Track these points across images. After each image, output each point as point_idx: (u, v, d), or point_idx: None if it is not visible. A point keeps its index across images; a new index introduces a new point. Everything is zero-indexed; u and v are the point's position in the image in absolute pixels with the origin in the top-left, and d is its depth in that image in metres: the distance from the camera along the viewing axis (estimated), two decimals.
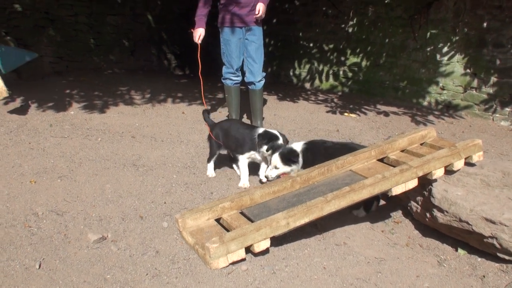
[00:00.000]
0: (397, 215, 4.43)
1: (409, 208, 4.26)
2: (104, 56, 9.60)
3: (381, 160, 4.16)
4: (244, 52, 5.79)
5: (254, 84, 5.88)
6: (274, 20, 10.42)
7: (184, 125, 6.23)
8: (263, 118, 6.43)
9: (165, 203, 4.11)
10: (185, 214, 3.51)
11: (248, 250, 3.32)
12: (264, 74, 5.94)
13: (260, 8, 5.51)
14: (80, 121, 5.90)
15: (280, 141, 4.45)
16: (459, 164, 3.94)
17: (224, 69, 5.88)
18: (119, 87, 7.66)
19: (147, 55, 10.64)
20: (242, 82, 6.01)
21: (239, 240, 3.21)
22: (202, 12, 5.57)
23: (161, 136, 5.73)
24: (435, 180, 3.95)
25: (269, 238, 3.32)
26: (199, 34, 5.57)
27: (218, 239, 3.17)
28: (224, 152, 4.93)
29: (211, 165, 4.88)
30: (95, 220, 3.72)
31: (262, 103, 6.16)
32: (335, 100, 8.88)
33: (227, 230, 3.43)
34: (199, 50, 5.50)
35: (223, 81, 5.94)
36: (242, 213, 3.62)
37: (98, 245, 3.40)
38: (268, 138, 4.44)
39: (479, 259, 3.78)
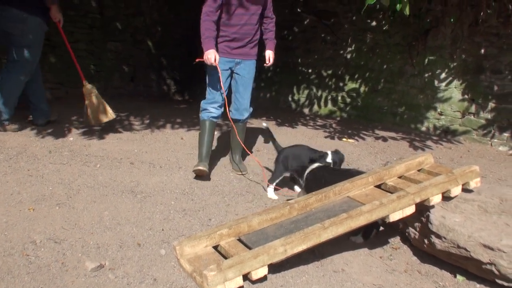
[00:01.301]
0: (395, 241, 4.43)
1: (407, 234, 4.26)
2: (104, 82, 9.66)
3: (378, 186, 4.18)
4: (232, 86, 5.44)
5: (239, 121, 5.56)
6: None
7: (183, 151, 6.25)
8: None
9: (163, 230, 4.11)
10: (182, 242, 3.51)
11: (246, 277, 3.32)
12: (251, 109, 5.58)
13: (270, 56, 5.36)
14: (79, 147, 5.92)
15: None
16: (456, 191, 3.96)
17: (203, 101, 5.41)
18: (119, 112, 7.68)
19: (147, 80, 10.70)
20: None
21: (237, 268, 3.21)
22: (210, 34, 5.02)
23: (160, 162, 5.74)
24: (433, 207, 3.95)
25: (266, 266, 3.32)
26: (214, 55, 5.01)
27: (216, 266, 3.17)
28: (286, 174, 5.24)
29: (272, 188, 5.14)
30: (93, 247, 3.71)
31: (243, 138, 5.74)
32: (334, 125, 8.91)
33: (225, 258, 3.42)
34: (220, 74, 5.16)
35: (202, 115, 5.42)
36: (240, 240, 3.62)
37: (95, 273, 3.39)
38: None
39: (478, 285, 3.77)
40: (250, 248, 3.43)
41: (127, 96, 9.91)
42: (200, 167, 5.23)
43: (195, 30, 5.55)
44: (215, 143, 6.53)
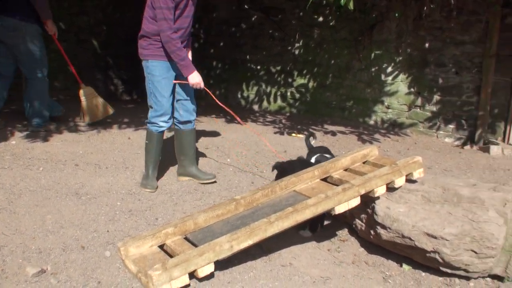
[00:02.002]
0: (343, 233, 4.47)
1: (354, 226, 4.31)
2: (49, 83, 9.44)
3: (324, 179, 4.20)
4: (177, 90, 5.06)
5: (191, 122, 5.19)
6: (221, 44, 10.48)
7: (130, 151, 6.17)
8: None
9: (108, 231, 4.04)
10: (127, 242, 3.46)
11: (192, 275, 3.29)
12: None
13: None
14: (21, 150, 5.77)
15: None
16: (400, 181, 4.01)
17: (151, 113, 4.96)
18: (64, 114, 7.52)
19: (93, 80, 10.50)
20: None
21: (182, 266, 3.18)
22: (186, 54, 4.73)
23: (106, 163, 5.65)
24: (378, 198, 4.00)
25: (213, 263, 3.30)
26: (200, 77, 4.85)
27: (161, 266, 3.13)
28: None
29: None
30: (35, 252, 3.62)
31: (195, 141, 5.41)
32: (283, 121, 8.95)
33: (171, 257, 3.38)
34: (217, 100, 5.22)
35: (149, 127, 5.03)
36: (186, 238, 3.59)
37: (37, 278, 3.31)
38: None
39: (423, 273, 3.84)
40: (196, 246, 3.40)
41: (72, 97, 9.72)
42: (149, 190, 5.02)
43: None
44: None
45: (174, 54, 4.67)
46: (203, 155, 6.21)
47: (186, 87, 5.00)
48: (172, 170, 5.64)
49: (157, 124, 4.95)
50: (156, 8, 4.56)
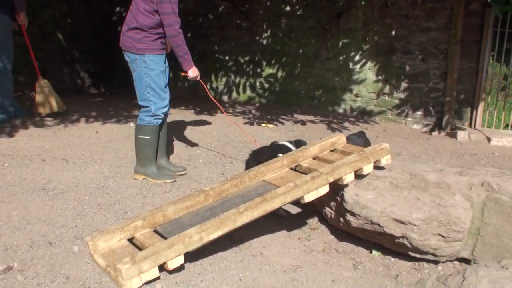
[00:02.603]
0: (314, 221, 4.49)
1: (324, 214, 4.33)
2: (13, 78, 9.28)
3: (294, 168, 4.22)
4: None
5: (167, 114, 5.19)
6: (189, 35, 10.41)
7: (98, 145, 6.10)
8: None
9: (76, 226, 3.99)
10: (96, 236, 3.42)
11: (162, 268, 3.27)
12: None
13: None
14: None
15: None
16: (368, 168, 4.04)
17: (154, 106, 4.89)
18: (30, 108, 7.40)
19: (59, 75, 10.37)
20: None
21: (152, 259, 3.16)
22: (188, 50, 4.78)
23: (73, 157, 5.58)
24: (347, 185, 4.03)
25: (182, 254, 3.28)
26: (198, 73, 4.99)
27: (130, 259, 3.10)
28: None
29: None
30: (1, 250, 3.55)
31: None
32: (253, 111, 8.95)
33: (141, 250, 3.36)
34: (207, 91, 5.32)
35: (151, 121, 4.95)
36: (155, 231, 3.57)
37: (3, 276, 3.25)
38: None
39: (393, 259, 3.89)
40: (165, 238, 3.38)
41: None
42: (170, 180, 5.11)
43: (107, 22, 5.38)
44: (128, 135, 6.43)
45: (179, 48, 4.70)
46: (173, 147, 6.18)
47: (167, 78, 5.05)
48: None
49: (159, 116, 4.96)
50: (163, 2, 4.52)
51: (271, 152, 4.44)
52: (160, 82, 4.86)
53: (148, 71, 4.81)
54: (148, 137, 5.01)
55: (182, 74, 4.96)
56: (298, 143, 4.67)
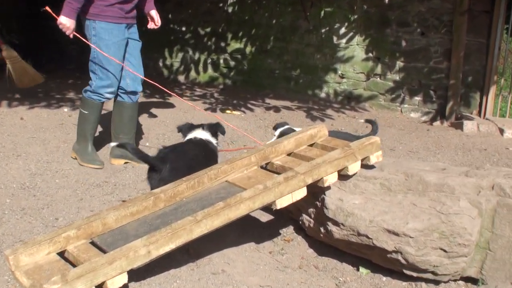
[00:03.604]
0: (288, 231, 4.50)
1: (301, 222, 4.33)
2: None
3: (264, 167, 4.21)
4: (126, 55, 5.26)
5: (137, 93, 5.44)
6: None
7: (23, 135, 6.03)
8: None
9: None
10: (18, 249, 3.37)
11: None
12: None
13: (157, 16, 5.36)
14: None
15: None
16: (354, 167, 4.05)
17: (96, 82, 5.13)
18: None
19: None
20: None
21: (88, 277, 3.12)
22: (78, 5, 4.78)
23: None
24: (329, 188, 4.03)
25: (126, 272, 3.25)
26: (72, 28, 4.85)
27: (60, 278, 3.06)
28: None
29: None
30: None
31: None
32: (216, 95, 8.94)
33: (74, 266, 3.32)
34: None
35: (91, 96, 5.19)
36: (92, 243, 3.52)
37: None
38: None
39: (384, 278, 3.91)
40: (105, 252, 3.35)
41: None
42: (96, 166, 5.30)
43: None
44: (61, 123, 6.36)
45: None
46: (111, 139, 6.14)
47: (135, 53, 5.25)
48: (73, 155, 5.54)
49: (102, 95, 5.16)
50: None
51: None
52: (110, 55, 4.96)
53: (97, 40, 4.93)
54: (86, 112, 5.22)
55: (46, 8, 4.94)
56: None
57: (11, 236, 3.97)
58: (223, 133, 4.73)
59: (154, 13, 5.38)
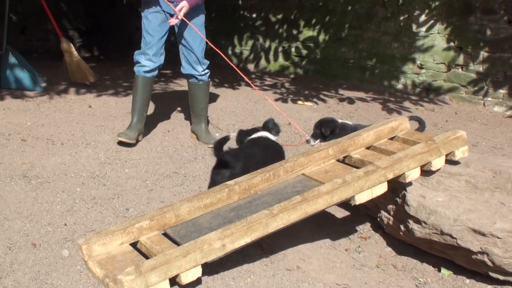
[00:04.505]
0: (365, 228, 4.49)
1: (379, 219, 4.32)
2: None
3: (342, 160, 4.21)
4: (177, 36, 5.56)
5: (196, 78, 5.70)
6: None
7: (91, 123, 6.16)
8: (208, 120, 6.21)
9: (65, 225, 4.05)
10: (91, 239, 3.46)
11: (174, 281, 3.30)
12: (207, 62, 5.76)
13: (183, 9, 5.23)
14: None
15: None
16: (438, 163, 4.01)
17: (137, 51, 5.59)
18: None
19: (42, 32, 10.45)
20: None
21: (162, 270, 3.18)
22: None
23: (61, 137, 5.64)
24: (410, 184, 4.01)
25: (200, 266, 3.30)
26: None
27: (134, 269, 3.13)
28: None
29: None
30: None
31: (207, 101, 5.96)
32: (286, 84, 8.94)
33: (146, 257, 3.39)
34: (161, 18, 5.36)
35: (137, 68, 5.56)
36: (165, 234, 3.59)
37: None
38: None
39: (467, 280, 3.86)
40: (178, 244, 3.41)
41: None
42: (122, 139, 5.45)
43: None
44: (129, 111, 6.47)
45: None
46: (185, 127, 6.20)
47: (189, 35, 5.45)
48: (148, 146, 5.63)
49: (140, 63, 5.48)
50: None
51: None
52: (148, 26, 5.37)
53: (141, 12, 5.34)
54: (135, 87, 5.59)
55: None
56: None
57: (83, 226, 4.07)
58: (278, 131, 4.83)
59: (181, 4, 5.25)
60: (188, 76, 5.72)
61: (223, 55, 5.71)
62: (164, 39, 5.46)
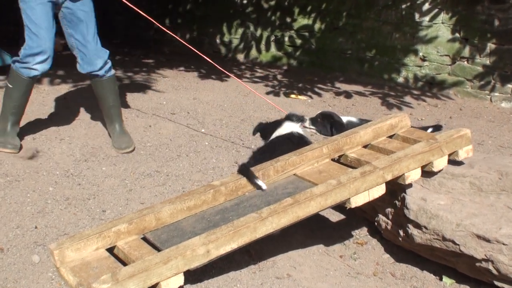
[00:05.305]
0: (361, 233, 4.49)
1: (376, 224, 4.32)
2: None
3: (337, 160, 4.20)
4: (67, 28, 5.10)
5: (97, 75, 5.28)
6: None
7: (66, 116, 6.13)
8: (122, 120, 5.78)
9: (36, 227, 4.03)
10: (64, 243, 3.44)
11: None
12: (107, 53, 5.30)
13: None
14: None
15: None
16: (440, 163, 4.02)
17: (24, 50, 4.92)
18: None
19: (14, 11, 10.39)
20: None
21: (140, 278, 3.17)
22: None
23: (32, 132, 5.62)
24: (410, 186, 4.01)
25: (182, 273, 3.29)
26: None
27: (111, 277, 3.12)
28: None
29: None
30: None
31: (118, 97, 5.56)
32: (279, 76, 8.95)
33: (124, 264, 3.38)
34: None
35: (18, 68, 4.98)
36: (144, 238, 3.58)
37: None
38: None
39: None
40: (159, 250, 3.40)
41: None
42: (8, 150, 5.13)
43: None
44: None
45: None
46: (168, 123, 6.19)
47: (80, 25, 5.03)
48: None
49: (30, 65, 4.93)
50: None
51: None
52: (35, 18, 4.81)
53: (22, 3, 4.81)
54: (10, 86, 5.09)
55: None
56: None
57: (55, 229, 4.05)
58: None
59: None
60: (89, 75, 5.30)
61: (162, 27, 5.58)
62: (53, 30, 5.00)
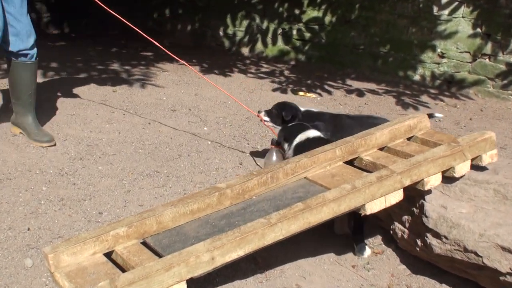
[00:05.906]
0: (376, 242, 4.48)
1: (392, 232, 4.31)
2: None
3: (350, 162, 4.20)
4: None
5: (25, 55, 5.26)
6: None
7: (60, 111, 6.14)
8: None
9: (29, 229, 4.03)
10: (58, 247, 3.44)
11: None
12: (35, 36, 5.32)
13: None
14: None
15: None
16: (463, 168, 4.01)
17: None
18: None
19: None
20: None
21: (140, 285, 3.16)
22: None
23: None
24: (430, 192, 4.00)
25: (185, 281, 3.29)
26: None
27: (109, 283, 3.12)
28: None
29: None
30: None
31: (35, 85, 5.52)
32: (286, 72, 8.95)
33: (123, 270, 3.38)
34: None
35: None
36: (145, 243, 3.58)
37: None
38: None
39: None
40: (160, 256, 3.40)
41: None
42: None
43: None
44: (105, 98, 6.45)
45: None
46: (168, 119, 6.19)
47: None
48: (129, 138, 5.62)
49: None
50: None
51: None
52: None
53: None
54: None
55: None
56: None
57: (49, 231, 4.05)
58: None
59: None
60: (14, 55, 5.21)
61: (114, 14, 5.57)
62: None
